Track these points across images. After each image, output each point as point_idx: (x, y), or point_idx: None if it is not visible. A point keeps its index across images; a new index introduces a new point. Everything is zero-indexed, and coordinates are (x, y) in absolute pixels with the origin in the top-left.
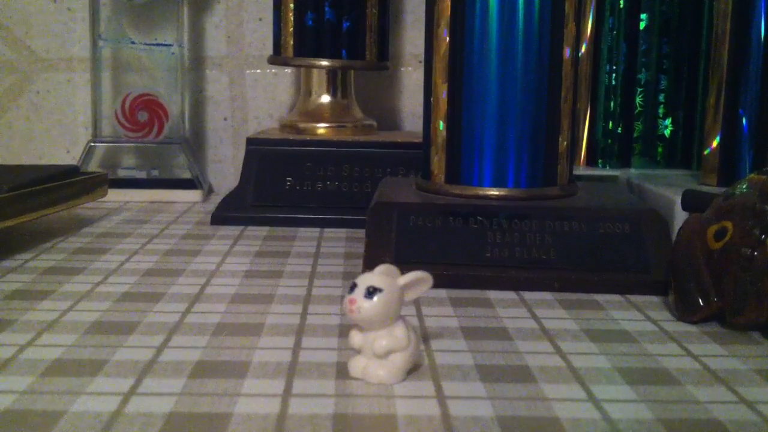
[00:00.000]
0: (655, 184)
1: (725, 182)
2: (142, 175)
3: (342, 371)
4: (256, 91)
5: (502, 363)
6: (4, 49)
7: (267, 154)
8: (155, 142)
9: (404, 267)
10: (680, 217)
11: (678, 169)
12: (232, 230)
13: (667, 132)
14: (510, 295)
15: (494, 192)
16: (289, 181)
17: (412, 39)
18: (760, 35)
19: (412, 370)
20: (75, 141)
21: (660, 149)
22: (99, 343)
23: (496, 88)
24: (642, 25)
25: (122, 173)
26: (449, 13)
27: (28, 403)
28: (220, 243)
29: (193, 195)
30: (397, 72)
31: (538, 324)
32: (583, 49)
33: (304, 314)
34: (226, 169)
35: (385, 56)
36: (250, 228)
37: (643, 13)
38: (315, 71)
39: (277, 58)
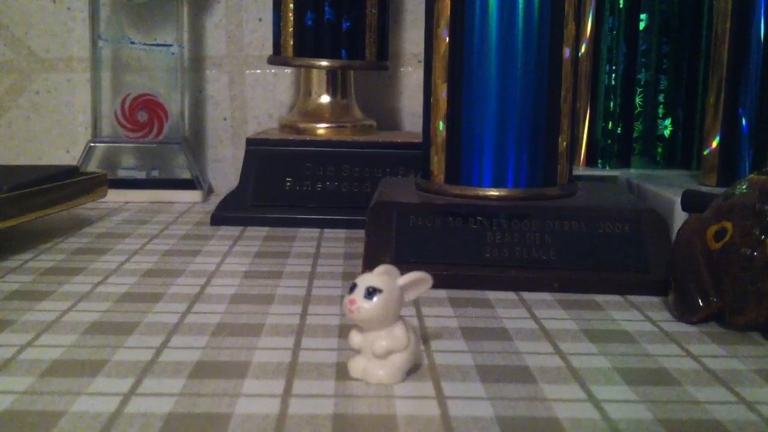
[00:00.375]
0: (655, 184)
1: (725, 182)
2: (141, 175)
3: (342, 372)
4: (255, 91)
5: (502, 363)
6: (4, 49)
7: (267, 154)
8: (155, 142)
9: (404, 267)
10: (680, 217)
11: (678, 169)
12: (232, 230)
13: (666, 132)
14: (510, 295)
15: (494, 192)
16: (289, 181)
17: (411, 39)
18: (760, 35)
19: (412, 370)
20: (75, 141)
21: (660, 149)
22: (99, 344)
23: (496, 88)
24: (642, 25)
25: (122, 173)
26: (449, 12)
27: (27, 404)
28: (219, 243)
29: (192, 195)
30: (397, 72)
31: (538, 324)
32: (582, 49)
33: (303, 314)
34: (225, 170)
35: (384, 56)
36: (249, 228)
37: (643, 13)
38: (315, 71)
39: (277, 58)
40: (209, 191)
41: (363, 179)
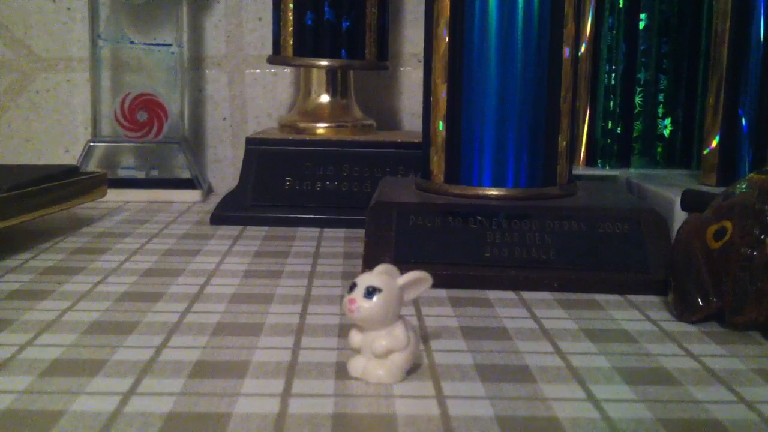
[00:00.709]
0: (655, 183)
1: (725, 182)
2: (141, 174)
3: (341, 371)
4: (255, 91)
5: (502, 363)
6: (3, 48)
7: (266, 153)
8: (154, 141)
9: (404, 267)
10: (680, 216)
11: (677, 168)
12: (232, 230)
13: (666, 132)
14: (509, 294)
15: (494, 192)
16: (289, 180)
17: (411, 38)
18: (760, 35)
19: (412, 370)
20: (74, 141)
21: (659, 149)
22: (98, 343)
23: (496, 87)
24: (641, 24)
25: (121, 173)
26: (449, 12)
27: (27, 403)
28: (219, 243)
29: (192, 195)
30: (397, 72)
31: (538, 324)
32: (582, 49)
33: (303, 314)
34: (225, 169)
35: (384, 56)
36: (249, 228)
37: (643, 12)
38: (314, 71)
39: (277, 57)
40: (209, 191)
41: (363, 179)
